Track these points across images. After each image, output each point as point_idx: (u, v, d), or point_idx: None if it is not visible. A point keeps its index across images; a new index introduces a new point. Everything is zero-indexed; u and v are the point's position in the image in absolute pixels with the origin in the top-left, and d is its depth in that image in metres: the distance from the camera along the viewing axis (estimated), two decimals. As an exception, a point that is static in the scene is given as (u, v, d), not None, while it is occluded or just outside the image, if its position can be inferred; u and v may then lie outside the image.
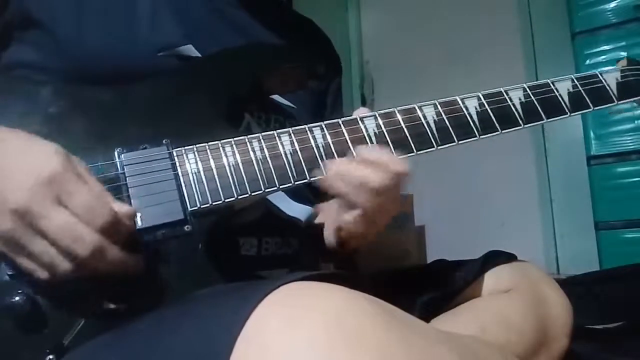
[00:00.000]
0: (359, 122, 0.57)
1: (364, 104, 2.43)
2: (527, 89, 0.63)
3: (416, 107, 0.59)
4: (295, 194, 0.68)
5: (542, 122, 0.63)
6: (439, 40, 2.27)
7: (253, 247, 0.63)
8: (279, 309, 0.36)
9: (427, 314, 0.60)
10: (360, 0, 2.58)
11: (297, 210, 0.69)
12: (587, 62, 1.94)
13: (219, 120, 0.58)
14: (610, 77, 0.69)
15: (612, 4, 1.95)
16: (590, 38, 1.97)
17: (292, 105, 0.71)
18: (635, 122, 1.86)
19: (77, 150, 0.49)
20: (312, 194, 0.72)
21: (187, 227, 0.51)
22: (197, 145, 0.54)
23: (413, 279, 0.67)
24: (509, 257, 0.69)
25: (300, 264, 0.70)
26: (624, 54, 1.91)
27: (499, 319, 0.60)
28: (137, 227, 0.49)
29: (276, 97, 0.69)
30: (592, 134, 1.92)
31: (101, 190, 0.46)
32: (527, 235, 2.04)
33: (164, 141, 0.53)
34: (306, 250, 0.73)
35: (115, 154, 0.52)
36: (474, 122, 0.60)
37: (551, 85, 0.65)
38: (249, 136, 0.55)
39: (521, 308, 0.62)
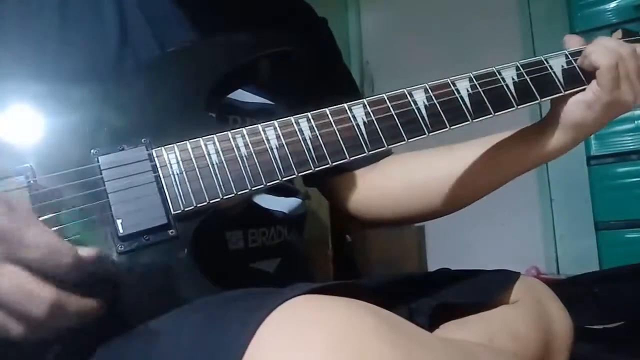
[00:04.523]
0: (347, 111, 0.56)
1: (363, 104, 2.43)
2: (520, 68, 0.62)
3: (406, 92, 0.58)
4: (277, 189, 0.66)
5: (536, 101, 0.61)
6: (439, 41, 2.27)
7: (240, 240, 0.62)
8: (281, 328, 0.36)
9: (435, 320, 0.59)
10: (360, 0, 2.59)
11: (278, 203, 0.68)
12: (587, 62, 1.94)
13: (195, 117, 0.55)
14: None
15: (612, 4, 1.95)
16: (590, 38, 1.95)
17: (270, 102, 0.69)
18: (635, 122, 1.86)
19: (47, 153, 0.47)
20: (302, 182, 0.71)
21: (171, 232, 0.49)
22: (178, 144, 0.51)
23: (418, 285, 0.66)
24: (517, 275, 0.69)
25: (293, 253, 0.69)
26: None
27: (507, 330, 0.60)
28: (119, 234, 0.47)
29: (250, 96, 0.67)
30: (592, 134, 1.92)
31: (56, 236, 0.40)
32: (527, 235, 2.04)
33: (142, 140, 0.51)
34: (295, 239, 0.72)
35: (91, 155, 0.49)
36: (465, 105, 0.58)
37: (545, 62, 0.63)
38: (232, 131, 0.53)
39: (527, 321, 0.61)
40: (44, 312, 0.38)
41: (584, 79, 0.63)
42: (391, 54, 2.42)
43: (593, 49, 0.62)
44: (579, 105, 0.62)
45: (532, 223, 2.04)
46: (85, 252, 0.41)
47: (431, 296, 0.61)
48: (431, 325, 0.57)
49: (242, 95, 0.66)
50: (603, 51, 0.61)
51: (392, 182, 0.76)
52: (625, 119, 1.84)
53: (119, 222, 0.47)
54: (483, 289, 0.64)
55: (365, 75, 2.48)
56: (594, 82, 0.61)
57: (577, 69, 0.63)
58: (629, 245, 1.84)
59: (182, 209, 0.49)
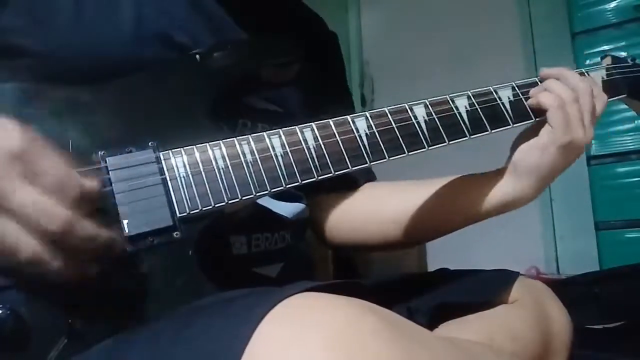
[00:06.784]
0: (350, 122, 0.57)
1: (363, 104, 2.43)
2: (516, 88, 0.64)
3: (407, 107, 0.60)
4: (281, 194, 0.67)
5: (530, 121, 0.63)
6: (439, 40, 2.27)
7: (243, 245, 0.63)
8: (281, 326, 0.36)
9: (434, 320, 0.60)
10: (360, 0, 2.59)
11: (281, 208, 0.68)
12: (587, 62, 1.94)
13: (204, 121, 0.56)
14: (597, 76, 0.70)
15: (612, 4, 1.95)
16: (590, 38, 1.97)
17: (278, 109, 0.69)
18: (635, 122, 1.86)
19: None
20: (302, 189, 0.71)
21: (176, 234, 0.49)
22: (185, 148, 0.52)
23: (418, 285, 0.67)
24: (516, 275, 0.69)
25: (296, 258, 0.70)
26: (624, 54, 1.92)
27: (506, 330, 0.60)
28: (125, 235, 0.47)
29: (259, 101, 0.68)
30: (592, 134, 1.92)
31: (68, 166, 0.43)
32: (527, 235, 2.04)
33: (149, 143, 0.52)
34: (298, 243, 0.72)
35: (99, 156, 0.50)
36: (464, 121, 0.60)
37: (539, 83, 0.65)
38: (238, 138, 0.54)
39: (526, 321, 0.62)
40: (58, 227, 0.40)
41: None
42: (391, 54, 2.42)
43: (546, 85, 0.63)
44: (532, 150, 0.61)
45: (532, 223, 2.04)
46: (94, 182, 0.45)
47: (431, 296, 0.62)
48: (431, 325, 0.57)
49: (251, 101, 0.67)
50: (551, 91, 0.62)
51: (362, 208, 0.77)
52: (625, 119, 1.83)
53: (124, 222, 0.48)
54: (483, 289, 0.64)
55: (365, 75, 2.48)
56: (547, 124, 0.61)
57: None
58: (629, 245, 1.84)
59: (187, 211, 0.50)
